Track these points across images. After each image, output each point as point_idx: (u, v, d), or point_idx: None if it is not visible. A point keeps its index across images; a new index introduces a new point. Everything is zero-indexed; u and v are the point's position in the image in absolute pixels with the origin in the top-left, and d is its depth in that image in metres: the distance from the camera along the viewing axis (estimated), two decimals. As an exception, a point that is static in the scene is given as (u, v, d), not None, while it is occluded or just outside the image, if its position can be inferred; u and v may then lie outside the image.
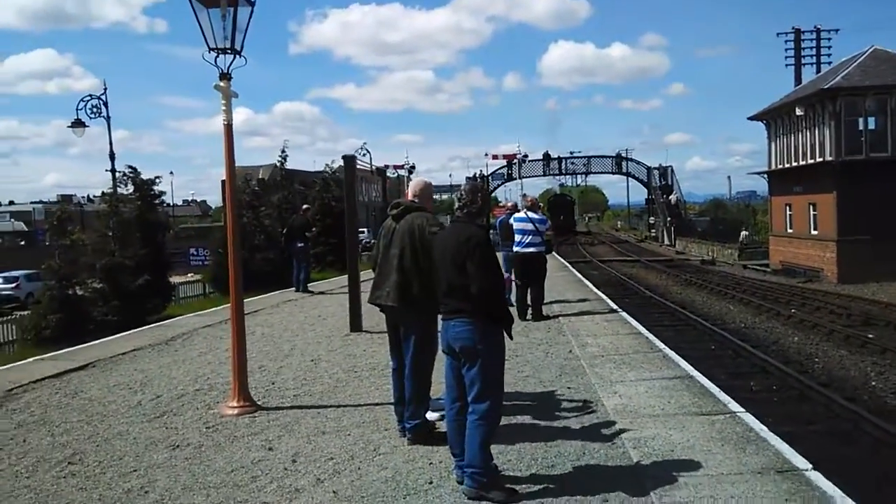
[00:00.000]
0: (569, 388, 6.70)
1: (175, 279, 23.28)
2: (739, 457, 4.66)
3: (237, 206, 23.37)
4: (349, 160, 10.85)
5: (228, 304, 14.39)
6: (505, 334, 4.44)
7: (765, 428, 5.21)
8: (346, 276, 22.47)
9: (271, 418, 6.05)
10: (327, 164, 38.50)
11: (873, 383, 11.03)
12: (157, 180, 20.77)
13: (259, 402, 6.45)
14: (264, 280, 18.35)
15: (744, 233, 44.91)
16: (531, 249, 10.79)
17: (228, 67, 6.33)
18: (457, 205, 4.65)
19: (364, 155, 49.07)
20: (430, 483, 4.48)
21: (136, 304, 17.60)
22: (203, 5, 6.31)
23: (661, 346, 8.54)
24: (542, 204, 11.81)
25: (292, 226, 16.75)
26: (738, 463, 4.56)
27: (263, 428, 5.78)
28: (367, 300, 5.57)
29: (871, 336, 14.27)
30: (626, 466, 4.63)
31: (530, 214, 11.10)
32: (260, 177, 35.53)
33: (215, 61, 6.32)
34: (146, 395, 7.04)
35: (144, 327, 12.27)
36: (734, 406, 5.83)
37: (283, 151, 34.59)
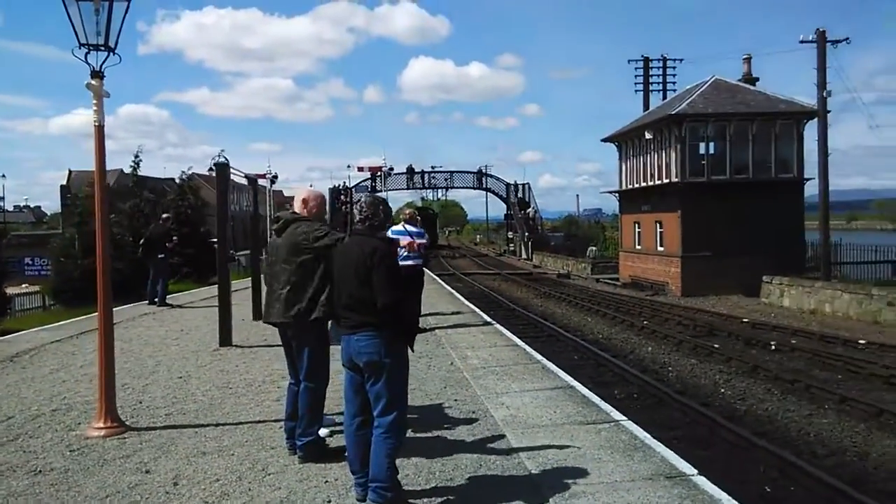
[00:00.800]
0: (455, 400, 6.71)
1: (10, 290, 21.29)
2: (629, 464, 4.83)
3: (84, 214, 21.66)
4: (222, 168, 10.36)
5: (77, 318, 13.45)
6: (408, 347, 4.37)
7: (648, 435, 5.44)
8: (205, 288, 21.45)
9: (143, 439, 5.61)
10: (182, 172, 36.78)
11: (722, 390, 11.86)
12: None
13: (128, 423, 5.98)
14: (113, 292, 17.13)
15: (592, 248, 47.37)
16: (409, 262, 10.74)
17: (101, 65, 5.88)
18: (357, 217, 4.51)
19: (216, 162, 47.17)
20: (329, 502, 4.32)
21: (-35, 318, 15.92)
22: (73, -2, 5.83)
23: (540, 357, 8.76)
24: (419, 217, 11.85)
25: (152, 236, 15.53)
26: (629, 470, 4.72)
27: (136, 450, 5.34)
28: (263, 315, 5.30)
29: (716, 346, 15.38)
30: (523, 477, 4.67)
31: (408, 227, 11.06)
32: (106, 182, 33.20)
33: (86, 58, 5.85)
34: (-7, 417, 6.32)
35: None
36: (617, 415, 6.06)
37: (136, 156, 32.63)
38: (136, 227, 25.81)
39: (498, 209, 78.77)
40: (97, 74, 5.94)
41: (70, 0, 5.87)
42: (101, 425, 5.74)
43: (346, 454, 4.48)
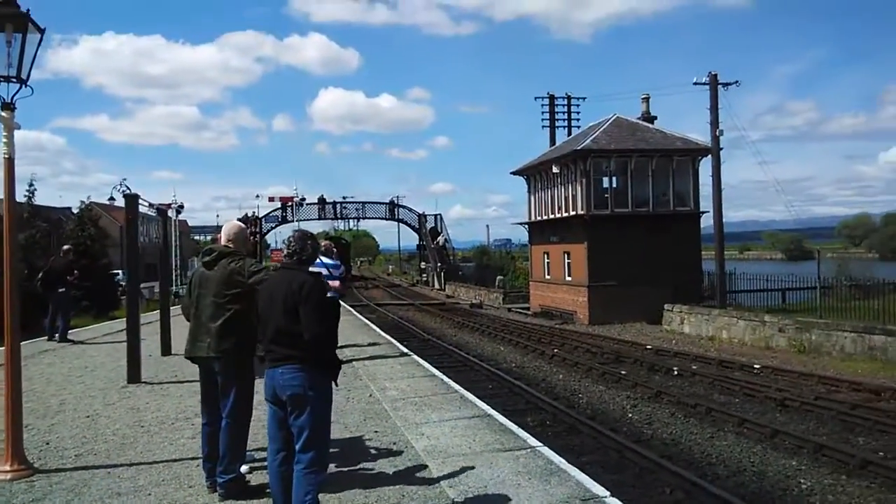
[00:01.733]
0: (375, 431, 6.77)
1: None
2: (546, 488, 5.03)
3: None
4: (131, 199, 10.13)
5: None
6: (332, 381, 4.45)
7: (563, 460, 5.67)
8: (106, 322, 20.59)
9: (53, 481, 5.41)
10: (81, 201, 35.36)
11: (630, 415, 12.34)
12: None
13: (35, 465, 5.74)
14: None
15: (500, 278, 48.24)
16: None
17: (12, 97, 5.76)
18: (285, 252, 4.58)
19: (125, 192, 45.56)
20: (252, 539, 4.30)
21: None
22: (-15, 29, 5.70)
23: (457, 387, 8.93)
24: (335, 249, 11.90)
25: (52, 269, 14.81)
26: (546, 494, 4.91)
27: (46, 493, 5.15)
28: (187, 350, 5.21)
29: (623, 372, 15.98)
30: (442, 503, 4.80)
31: (324, 260, 11.07)
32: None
33: (-6, 89, 5.71)
34: None
35: None
36: (533, 441, 6.28)
37: (30, 185, 31.21)
38: (31, 258, 24.56)
39: (409, 239, 79.02)
40: (8, 106, 5.81)
41: (-20, 30, 5.76)
42: (8, 468, 5.50)
43: (270, 490, 4.49)
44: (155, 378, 10.11)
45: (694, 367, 16.68)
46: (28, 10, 5.84)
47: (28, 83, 5.89)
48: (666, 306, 26.79)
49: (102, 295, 30.01)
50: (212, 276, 5.10)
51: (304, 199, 61.10)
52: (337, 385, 4.56)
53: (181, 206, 46.94)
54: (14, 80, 5.83)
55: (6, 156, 5.76)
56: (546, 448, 6.04)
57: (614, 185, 31.57)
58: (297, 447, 4.24)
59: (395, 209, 66.52)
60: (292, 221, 60.71)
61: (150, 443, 6.56)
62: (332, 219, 66.40)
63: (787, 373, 15.74)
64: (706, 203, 30.64)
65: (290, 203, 59.93)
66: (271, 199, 61.12)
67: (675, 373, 16.11)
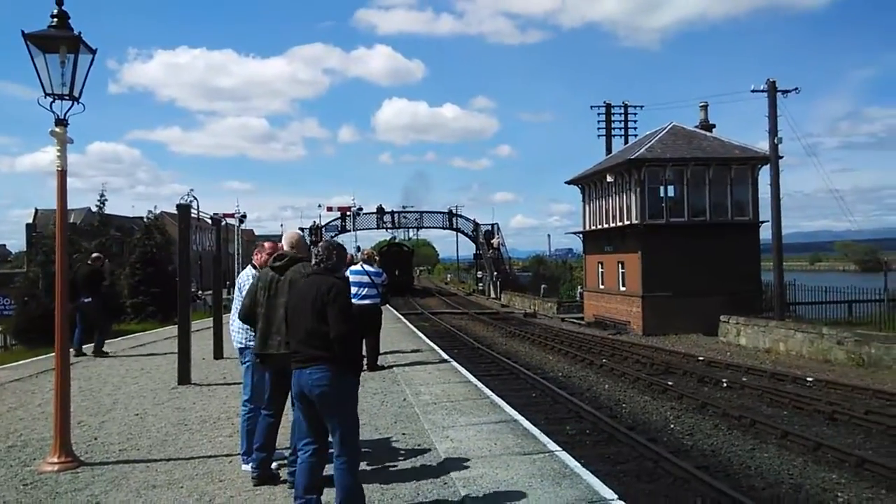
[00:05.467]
0: (404, 433, 6.99)
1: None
2: (556, 490, 5.15)
3: (47, 252, 21.57)
4: (183, 209, 10.65)
5: (37, 357, 13.43)
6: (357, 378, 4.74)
7: (578, 464, 5.77)
8: (169, 327, 21.42)
9: (96, 473, 5.80)
10: (150, 211, 36.83)
11: (672, 426, 12.24)
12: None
13: (81, 458, 6.16)
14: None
15: (543, 286, 48.10)
16: (367, 302, 11.07)
17: (65, 114, 6.21)
18: (314, 260, 4.90)
19: (191, 202, 47.21)
20: (270, 530, 4.56)
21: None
22: (41, 50, 6.18)
23: (489, 392, 9.09)
24: (377, 257, 12.21)
25: (76, 277, 13.46)
26: (554, 496, 5.04)
27: (88, 483, 5.54)
28: (259, 348, 5.44)
29: (670, 383, 15.81)
30: (454, 501, 4.97)
31: (366, 267, 11.42)
32: (71, 220, 33.20)
33: (51, 106, 6.17)
34: (-52, 454, 6.46)
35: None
36: (552, 446, 6.39)
37: (101, 195, 32.73)
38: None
39: (468, 249, 79.15)
40: (61, 122, 6.26)
41: (36, 52, 6.23)
42: (55, 460, 5.92)
43: (294, 480, 4.79)
44: (205, 380, 10.58)
45: (744, 380, 16.37)
46: (80, 33, 6.29)
47: (80, 100, 6.34)
48: (722, 317, 26.29)
49: (168, 301, 31.20)
50: (284, 279, 5.37)
51: (360, 209, 62.05)
52: (359, 383, 4.81)
53: (244, 216, 48.40)
54: (67, 97, 6.28)
55: (59, 168, 6.21)
56: (564, 453, 6.15)
57: (670, 194, 31.16)
58: (334, 442, 4.55)
59: (454, 218, 66.89)
60: (351, 230, 61.80)
61: (190, 440, 6.93)
62: (390, 228, 67.16)
63: (840, 386, 15.32)
64: (767, 213, 29.97)
65: (348, 212, 60.98)
66: (330, 209, 62.32)
67: (725, 385, 15.85)
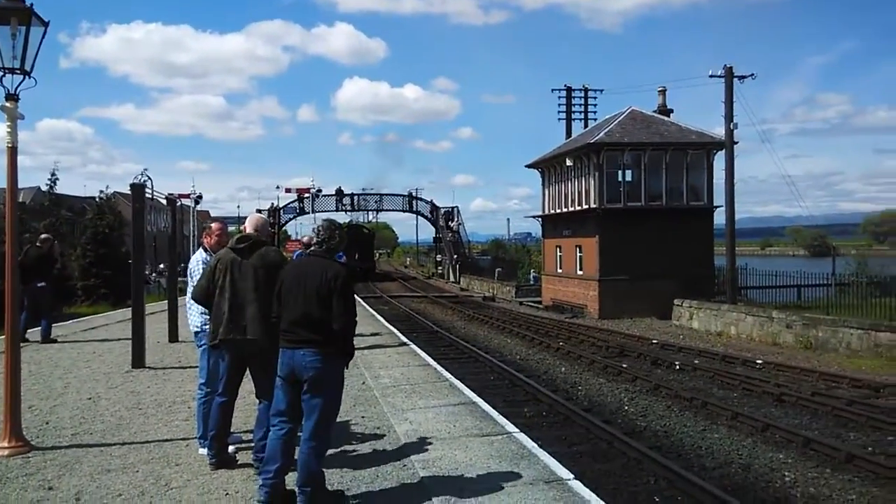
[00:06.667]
0: (363, 417, 7.01)
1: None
2: (514, 470, 5.23)
3: (-5, 232, 20.87)
4: (137, 189, 10.44)
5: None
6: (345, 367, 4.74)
7: (535, 445, 5.86)
8: (121, 310, 21.02)
9: (48, 458, 5.69)
10: (101, 191, 36.02)
11: (626, 408, 12.47)
12: None
13: (32, 442, 6.03)
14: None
15: (498, 270, 48.49)
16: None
17: (16, 88, 6.02)
18: (315, 239, 4.80)
19: (145, 182, 46.36)
20: (228, 513, 4.54)
21: None
22: (-10, 21, 5.96)
23: (448, 375, 9.15)
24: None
25: (25, 260, 12.41)
26: (513, 476, 5.11)
27: (39, 468, 5.44)
28: (220, 333, 5.23)
29: (625, 366, 16.09)
30: (415, 484, 5.01)
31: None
32: (20, 200, 32.21)
33: (0, 81, 5.97)
34: None
35: None
36: (510, 427, 6.48)
37: (52, 174, 31.87)
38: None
39: (428, 232, 79.06)
40: (12, 97, 6.07)
41: (-15, 23, 6.02)
42: (5, 444, 5.79)
43: (262, 455, 4.82)
44: (160, 363, 10.44)
45: (696, 362, 16.75)
46: (32, 4, 6.09)
47: (31, 75, 6.14)
48: (676, 301, 26.84)
49: (120, 283, 30.56)
50: (250, 264, 5.25)
51: (319, 191, 61.53)
52: (347, 368, 4.78)
53: (200, 197, 47.72)
54: (18, 71, 6.07)
55: (9, 145, 6.03)
56: (521, 434, 6.23)
57: (628, 178, 31.52)
58: (306, 423, 4.52)
59: (413, 201, 66.80)
60: (309, 213, 61.25)
61: (145, 424, 6.84)
62: (349, 210, 66.74)
63: (788, 368, 15.78)
64: (721, 198, 30.54)
65: (306, 194, 60.42)
66: (288, 191, 61.76)
67: (677, 367, 16.19)
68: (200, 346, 5.97)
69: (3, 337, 12.60)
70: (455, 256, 57.92)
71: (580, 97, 46.63)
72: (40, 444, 6.06)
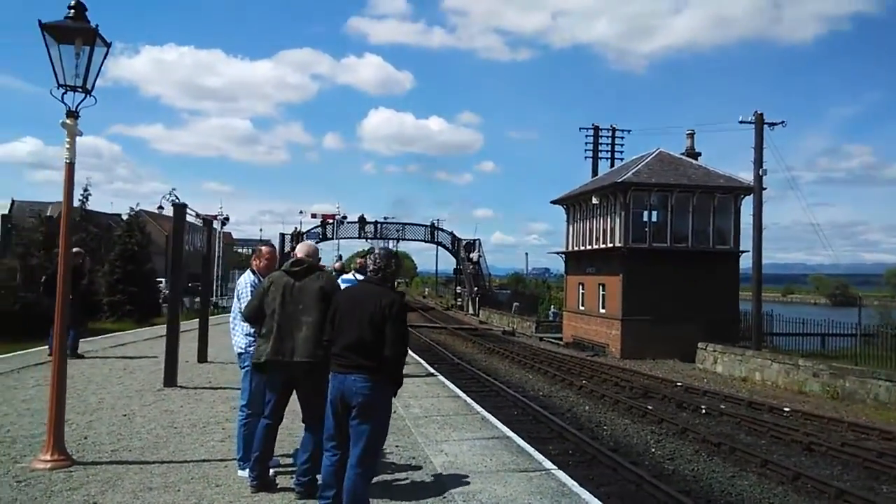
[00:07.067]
0: (397, 446, 6.99)
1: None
2: (556, 508, 5.19)
3: (27, 245, 21.32)
4: (179, 209, 10.60)
5: (14, 353, 13.18)
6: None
7: (576, 483, 5.81)
8: (147, 328, 21.21)
9: (89, 473, 5.73)
10: (131, 208, 36.58)
11: (653, 450, 12.34)
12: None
13: (74, 457, 6.08)
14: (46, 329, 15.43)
15: (515, 304, 48.34)
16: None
17: (77, 106, 6.16)
18: (371, 267, 4.87)
19: (173, 201, 47.00)
20: (273, 536, 4.54)
21: None
22: (55, 41, 6.15)
23: (479, 409, 9.11)
24: (353, 267, 12.50)
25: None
26: (555, 514, 5.07)
27: (83, 483, 5.47)
28: (269, 354, 5.23)
29: (650, 407, 15.94)
30: (457, 519, 4.99)
31: (358, 276, 11.43)
32: (49, 214, 32.80)
33: (62, 98, 6.13)
34: (-65, 447, 6.35)
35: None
36: (548, 464, 6.43)
37: (85, 190, 32.41)
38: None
39: (447, 263, 79.13)
40: (72, 114, 6.20)
41: (52, 42, 6.19)
42: (48, 458, 5.83)
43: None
44: (190, 383, 10.49)
45: (722, 407, 16.55)
46: (97, 26, 6.27)
47: (92, 93, 6.30)
48: (700, 345, 26.57)
49: (145, 300, 30.85)
50: (302, 287, 5.32)
51: (345, 217, 61.88)
52: (395, 396, 4.81)
53: (227, 219, 48.16)
54: (80, 89, 6.23)
55: (67, 160, 6.16)
56: (560, 471, 6.19)
57: (654, 219, 31.55)
58: (354, 450, 4.54)
59: (435, 232, 67.05)
60: (332, 238, 61.59)
61: (181, 443, 6.87)
62: (371, 238, 67.05)
63: (816, 418, 15.55)
64: (747, 243, 30.37)
65: (330, 220, 60.81)
66: (314, 216, 62.16)
67: (703, 411, 16.01)
68: (244, 367, 5.99)
69: (39, 349, 12.73)
70: (476, 289, 57.86)
71: (607, 136, 46.87)
72: (81, 459, 6.09)
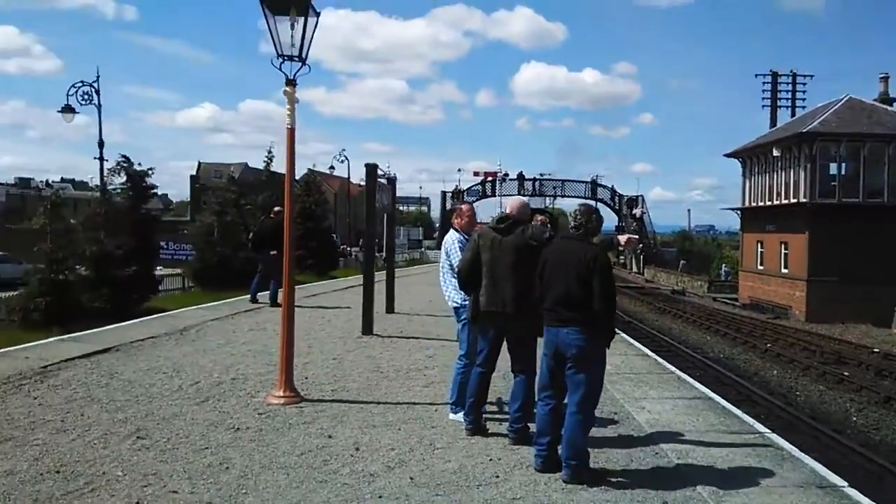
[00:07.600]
0: (597, 400, 7.02)
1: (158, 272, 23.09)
2: (779, 472, 5.02)
3: (222, 203, 23.10)
4: (371, 169, 11.11)
5: (227, 300, 14.54)
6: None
7: (795, 448, 5.59)
8: (327, 281, 22.55)
9: (317, 409, 6.26)
10: (309, 168, 38.73)
11: (854, 418, 11.58)
12: (150, 172, 20.57)
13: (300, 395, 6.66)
14: (248, 279, 15.39)
15: (682, 262, 46.21)
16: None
17: (295, 74, 6.56)
18: (572, 223, 4.98)
19: (342, 162, 49.03)
20: (497, 477, 4.75)
21: (123, 294, 17.46)
22: (272, 12, 6.55)
23: (673, 368, 8.95)
24: (549, 224, 12.22)
25: (262, 229, 14.05)
26: (779, 477, 4.91)
27: (314, 418, 5.99)
28: (482, 306, 5.50)
29: (846, 374, 14.91)
30: (672, 471, 4.97)
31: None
32: (231, 174, 35.44)
33: (280, 67, 6.54)
34: (184, 380, 7.20)
35: (152, 316, 12.31)
36: (760, 427, 6.22)
37: (269, 152, 34.62)
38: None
39: (608, 220, 77.19)
40: (291, 82, 6.63)
41: (269, 13, 6.63)
42: (281, 394, 6.44)
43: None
44: (384, 332, 11.08)
45: (931, 376, 15.16)
46: (310, -5, 6.59)
47: (307, 62, 6.68)
48: (898, 308, 24.36)
49: (323, 255, 32.81)
50: (509, 242, 5.52)
51: (506, 175, 62.06)
52: (608, 348, 4.88)
53: (394, 178, 49.87)
54: (297, 58, 6.63)
55: (289, 126, 6.61)
56: (776, 435, 5.98)
57: (843, 172, 29.07)
58: (573, 398, 4.71)
59: (596, 188, 65.67)
60: (491, 196, 62.09)
61: (390, 387, 7.31)
62: (530, 195, 66.82)
63: None
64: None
65: (491, 178, 61.25)
66: (476, 174, 62.88)
67: (909, 380, 14.76)
68: (461, 320, 6.24)
69: (241, 297, 13.82)
70: (640, 245, 56.32)
71: (787, 83, 43.47)
72: (307, 396, 6.67)
